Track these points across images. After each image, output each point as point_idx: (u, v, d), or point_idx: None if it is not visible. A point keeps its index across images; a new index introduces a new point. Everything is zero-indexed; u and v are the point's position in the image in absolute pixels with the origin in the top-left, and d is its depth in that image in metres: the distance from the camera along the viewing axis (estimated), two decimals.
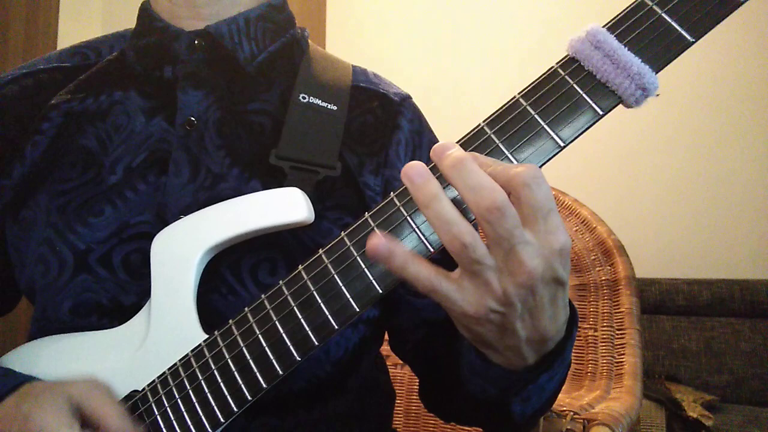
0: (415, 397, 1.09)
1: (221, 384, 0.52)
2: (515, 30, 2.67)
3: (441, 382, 0.64)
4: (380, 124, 0.68)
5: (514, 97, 0.44)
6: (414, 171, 0.41)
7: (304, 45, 0.73)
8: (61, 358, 0.60)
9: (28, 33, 2.04)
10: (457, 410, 0.65)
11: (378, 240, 0.40)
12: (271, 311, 0.51)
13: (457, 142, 0.45)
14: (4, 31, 2.00)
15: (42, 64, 0.71)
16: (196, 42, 0.66)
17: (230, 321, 0.53)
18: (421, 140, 0.71)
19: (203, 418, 0.52)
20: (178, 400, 0.54)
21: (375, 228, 0.47)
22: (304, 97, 0.66)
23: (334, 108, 0.66)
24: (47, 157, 0.66)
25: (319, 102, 0.66)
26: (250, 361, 0.51)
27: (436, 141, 0.73)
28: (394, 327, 0.73)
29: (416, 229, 0.45)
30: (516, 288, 0.40)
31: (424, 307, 0.68)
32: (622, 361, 0.89)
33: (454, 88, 2.70)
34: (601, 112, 0.42)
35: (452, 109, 2.45)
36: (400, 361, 1.09)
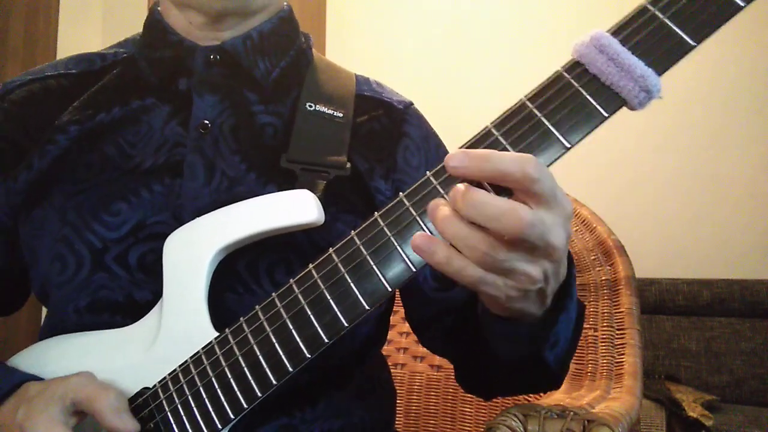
0: (415, 397, 1.09)
1: (231, 381, 0.52)
2: (516, 33, 2.67)
3: (477, 363, 0.66)
4: (386, 132, 0.71)
5: (521, 99, 0.45)
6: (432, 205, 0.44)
7: (309, 54, 0.75)
8: (73, 356, 0.61)
9: (28, 33, 2.04)
10: (496, 383, 0.68)
11: (421, 238, 0.43)
12: (281, 309, 0.52)
13: (465, 144, 0.46)
14: (4, 31, 2.00)
15: (50, 71, 0.72)
16: (212, 57, 0.68)
17: (241, 319, 0.54)
18: (428, 144, 0.73)
19: (213, 414, 0.53)
20: (189, 397, 0.54)
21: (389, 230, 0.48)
22: (310, 106, 0.68)
23: (340, 115, 0.69)
24: (58, 165, 0.67)
25: (325, 110, 0.68)
26: (260, 358, 0.52)
27: (441, 143, 0.75)
28: (422, 318, 0.74)
29: (425, 228, 0.46)
30: (552, 264, 0.45)
31: (447, 294, 0.70)
32: (622, 361, 0.89)
33: (454, 90, 2.70)
34: (606, 114, 0.43)
35: (453, 111, 2.45)
36: (400, 361, 1.10)
